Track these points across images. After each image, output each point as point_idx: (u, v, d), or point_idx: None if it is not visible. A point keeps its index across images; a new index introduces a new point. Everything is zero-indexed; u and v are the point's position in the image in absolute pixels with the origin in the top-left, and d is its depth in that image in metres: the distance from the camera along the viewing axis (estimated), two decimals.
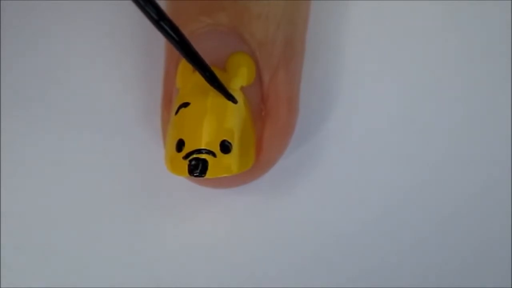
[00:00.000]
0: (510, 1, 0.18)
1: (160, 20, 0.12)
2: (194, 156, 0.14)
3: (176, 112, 0.15)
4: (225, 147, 0.14)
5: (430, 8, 0.18)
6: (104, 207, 0.17)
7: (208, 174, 0.14)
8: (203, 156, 0.14)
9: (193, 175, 0.14)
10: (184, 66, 0.15)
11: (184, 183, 0.16)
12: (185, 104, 0.15)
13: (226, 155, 0.14)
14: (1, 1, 0.18)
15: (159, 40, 0.17)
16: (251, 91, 0.15)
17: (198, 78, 0.14)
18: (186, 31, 0.15)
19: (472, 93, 0.18)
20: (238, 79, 0.15)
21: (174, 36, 0.12)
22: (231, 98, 0.15)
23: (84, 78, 0.18)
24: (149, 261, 0.17)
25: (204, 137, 0.14)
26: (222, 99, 0.14)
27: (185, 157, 0.14)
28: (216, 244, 0.17)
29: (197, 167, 0.14)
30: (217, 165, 0.14)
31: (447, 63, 0.18)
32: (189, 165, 0.14)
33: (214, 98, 0.14)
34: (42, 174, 0.17)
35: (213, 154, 0.14)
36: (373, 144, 0.17)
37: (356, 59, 0.18)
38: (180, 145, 0.14)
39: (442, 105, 0.18)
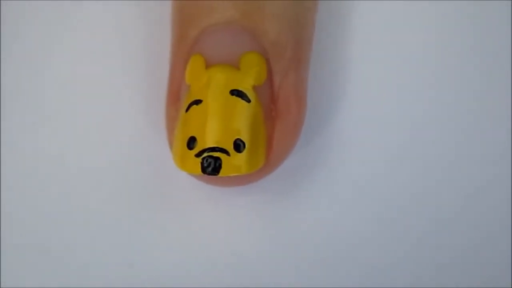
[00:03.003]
0: (510, 1, 0.18)
1: None
2: (208, 154, 0.14)
3: (187, 109, 0.15)
4: (238, 146, 0.15)
5: (436, 8, 0.18)
6: (106, 206, 0.17)
7: (221, 173, 0.14)
8: (216, 154, 0.14)
9: (207, 173, 0.14)
10: (195, 62, 0.15)
11: (186, 180, 0.16)
12: (197, 102, 0.15)
13: (239, 154, 0.15)
14: (1, 0, 0.18)
15: (162, 36, 0.17)
16: (262, 91, 0.15)
17: (211, 75, 0.14)
18: (197, 28, 0.15)
19: (477, 94, 0.18)
20: (252, 78, 0.15)
21: None
22: (244, 97, 0.15)
23: (85, 74, 0.18)
24: (151, 260, 0.17)
25: (218, 135, 0.14)
26: (236, 98, 0.15)
27: (198, 154, 0.14)
28: (219, 243, 0.17)
29: (211, 165, 0.14)
30: (230, 164, 0.14)
31: (454, 63, 0.18)
32: (202, 163, 0.14)
33: (228, 96, 0.15)
34: (42, 172, 0.17)
35: (226, 152, 0.14)
36: (378, 144, 0.17)
37: (360, 59, 0.18)
38: (191, 142, 0.15)
39: (451, 104, 0.18)
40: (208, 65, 0.15)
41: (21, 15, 0.18)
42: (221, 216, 0.17)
